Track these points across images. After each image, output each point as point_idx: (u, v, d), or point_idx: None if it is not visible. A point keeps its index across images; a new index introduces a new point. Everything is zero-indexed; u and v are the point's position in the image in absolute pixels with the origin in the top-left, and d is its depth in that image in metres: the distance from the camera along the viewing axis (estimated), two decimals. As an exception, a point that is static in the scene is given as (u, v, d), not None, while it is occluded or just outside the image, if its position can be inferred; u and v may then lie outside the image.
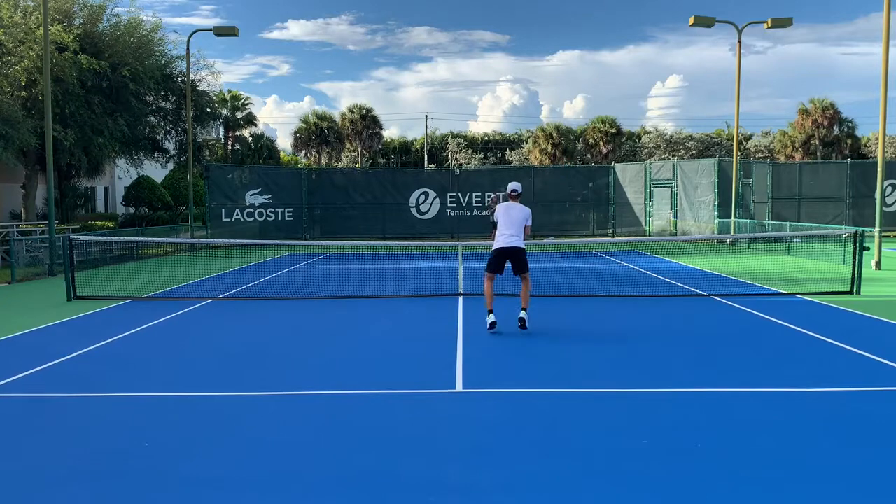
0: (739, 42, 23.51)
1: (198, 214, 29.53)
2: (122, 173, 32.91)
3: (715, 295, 12.14)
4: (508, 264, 9.09)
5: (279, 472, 4.53)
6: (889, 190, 27.89)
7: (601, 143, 43.60)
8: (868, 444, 4.95)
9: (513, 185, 9.39)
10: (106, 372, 7.27)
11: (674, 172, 27.20)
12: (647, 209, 28.05)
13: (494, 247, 9.06)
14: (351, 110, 45.29)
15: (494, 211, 9.51)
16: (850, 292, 12.04)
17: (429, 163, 54.24)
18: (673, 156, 47.07)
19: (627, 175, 29.09)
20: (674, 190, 27.02)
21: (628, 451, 4.83)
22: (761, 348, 8.08)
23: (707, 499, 4.09)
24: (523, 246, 8.98)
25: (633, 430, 5.23)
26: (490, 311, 8.92)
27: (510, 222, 8.97)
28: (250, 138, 43.92)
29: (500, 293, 11.95)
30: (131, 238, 20.20)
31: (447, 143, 57.04)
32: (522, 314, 8.89)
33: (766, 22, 22.97)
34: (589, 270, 16.29)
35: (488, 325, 8.85)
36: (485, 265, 9.24)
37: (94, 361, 7.73)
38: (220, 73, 62.98)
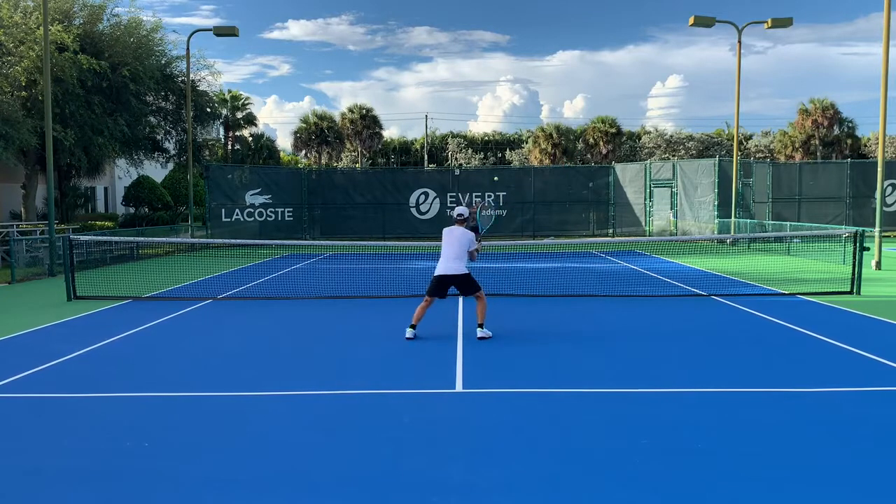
0: (739, 42, 23.53)
1: (198, 214, 29.54)
2: (122, 173, 32.91)
3: (715, 295, 12.14)
4: (454, 289, 8.86)
5: (281, 472, 4.53)
6: (889, 190, 27.90)
7: (601, 143, 43.58)
8: (868, 444, 4.95)
9: (458, 210, 9.02)
10: (106, 372, 7.27)
11: (674, 172, 27.20)
12: (647, 209, 28.05)
13: (435, 273, 8.81)
14: (351, 110, 45.27)
15: (472, 216, 9.22)
16: (850, 292, 12.05)
17: (429, 163, 54.23)
18: (673, 156, 47.08)
19: (627, 175, 29.09)
20: (674, 190, 27.02)
21: (628, 451, 4.83)
22: (761, 348, 8.08)
23: (707, 499, 4.09)
24: (465, 272, 8.68)
25: (633, 430, 5.23)
26: (412, 326, 8.71)
27: (448, 249, 8.74)
28: (250, 138, 43.90)
29: (509, 294, 11.98)
30: (131, 238, 20.21)
31: (447, 143, 57.01)
32: (480, 332, 8.65)
33: (766, 22, 22.99)
34: (589, 270, 16.29)
35: (406, 336, 8.69)
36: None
37: (94, 361, 7.74)
38: (220, 73, 62.83)
